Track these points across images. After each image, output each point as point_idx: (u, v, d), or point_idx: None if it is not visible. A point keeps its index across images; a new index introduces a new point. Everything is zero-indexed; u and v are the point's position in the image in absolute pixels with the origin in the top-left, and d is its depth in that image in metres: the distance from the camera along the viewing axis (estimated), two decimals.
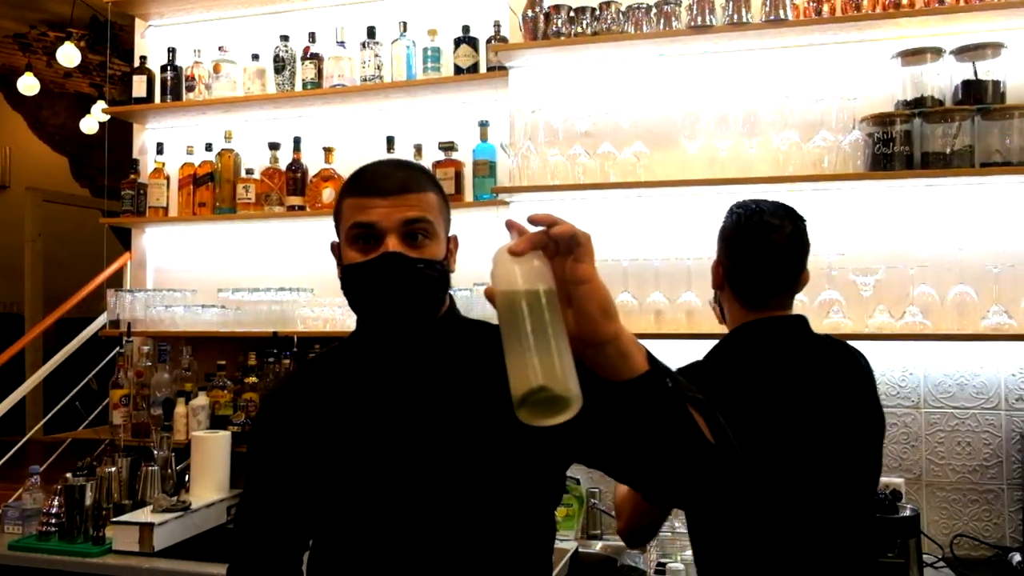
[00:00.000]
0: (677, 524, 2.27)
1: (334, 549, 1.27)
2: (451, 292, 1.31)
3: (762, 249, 1.64)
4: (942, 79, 2.36)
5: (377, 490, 1.20)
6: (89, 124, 6.29)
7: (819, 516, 1.54)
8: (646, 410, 0.95)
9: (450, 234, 1.28)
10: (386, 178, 1.19)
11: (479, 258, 2.83)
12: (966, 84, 2.32)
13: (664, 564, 2.10)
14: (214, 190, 3.15)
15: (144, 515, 2.49)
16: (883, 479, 2.34)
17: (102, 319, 3.33)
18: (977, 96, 2.30)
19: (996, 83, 2.30)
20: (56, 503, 2.54)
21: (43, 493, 2.66)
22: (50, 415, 3.23)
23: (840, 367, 1.65)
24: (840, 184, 2.40)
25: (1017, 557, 2.20)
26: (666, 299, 2.54)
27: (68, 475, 2.53)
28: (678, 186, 2.50)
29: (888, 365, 2.42)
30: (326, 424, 1.26)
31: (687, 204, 2.59)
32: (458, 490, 1.17)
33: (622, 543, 2.50)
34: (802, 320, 1.68)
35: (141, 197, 3.25)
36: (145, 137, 3.44)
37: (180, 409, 2.95)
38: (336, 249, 1.27)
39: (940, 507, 2.36)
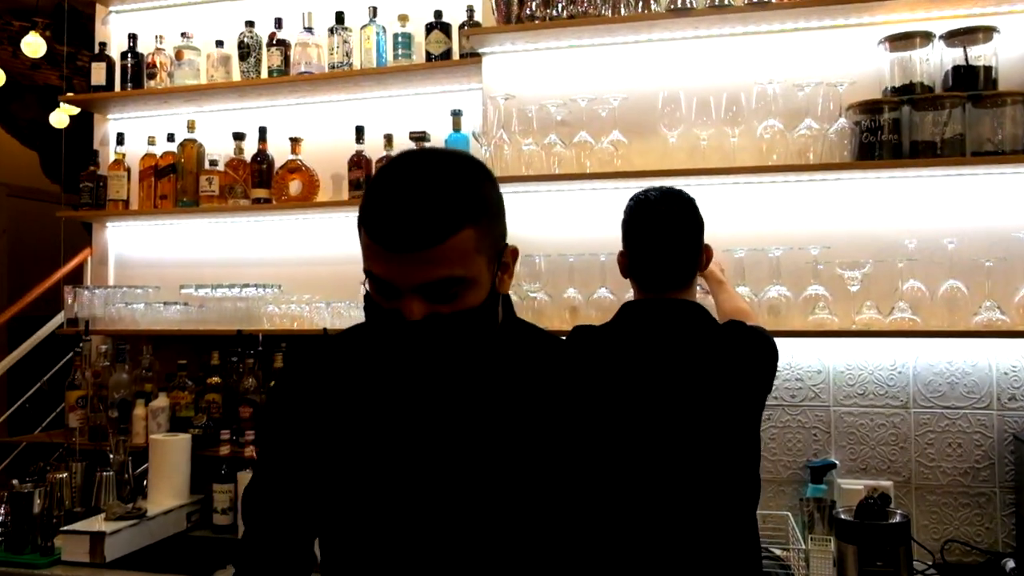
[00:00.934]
0: None
1: (346, 548, 1.15)
2: (509, 299, 1.17)
3: (649, 238, 1.74)
4: (932, 65, 2.26)
5: (396, 496, 1.08)
6: (59, 118, 6.12)
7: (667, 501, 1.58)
8: None
9: (508, 246, 1.09)
10: (402, 228, 0.94)
11: None
12: (957, 70, 2.23)
13: None
14: (176, 182, 3.02)
15: (96, 523, 2.37)
16: (871, 482, 2.26)
17: (60, 317, 3.19)
18: (968, 82, 2.20)
19: (988, 69, 2.21)
20: (2, 511, 2.40)
21: None
22: (3, 417, 3.08)
23: (714, 352, 1.66)
24: (825, 174, 2.30)
25: (1011, 563, 2.11)
26: None
27: (15, 482, 2.39)
28: (657, 177, 2.37)
29: (876, 363, 2.32)
30: (354, 416, 1.12)
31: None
32: (477, 507, 1.06)
33: None
34: (684, 304, 1.72)
35: (101, 189, 3.11)
36: (107, 128, 3.31)
37: (139, 411, 2.82)
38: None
39: (930, 511, 2.26)
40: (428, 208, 0.95)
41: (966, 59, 2.22)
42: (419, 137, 2.77)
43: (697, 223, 1.76)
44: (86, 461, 2.64)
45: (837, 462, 2.31)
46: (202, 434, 2.72)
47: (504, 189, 2.52)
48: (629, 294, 2.42)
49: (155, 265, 3.18)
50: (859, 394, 2.33)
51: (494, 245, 1.05)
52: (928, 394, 2.29)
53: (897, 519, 1.93)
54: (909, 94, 2.23)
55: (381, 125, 2.87)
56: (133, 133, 3.18)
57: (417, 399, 1.11)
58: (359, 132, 2.85)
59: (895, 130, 2.21)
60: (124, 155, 3.12)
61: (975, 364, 2.26)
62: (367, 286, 1.04)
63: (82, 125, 6.96)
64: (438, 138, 2.78)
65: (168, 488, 2.59)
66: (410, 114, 2.89)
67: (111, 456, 2.62)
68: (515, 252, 1.11)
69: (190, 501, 2.65)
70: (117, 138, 3.14)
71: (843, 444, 2.33)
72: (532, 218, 2.59)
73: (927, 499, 2.27)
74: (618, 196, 2.50)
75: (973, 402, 2.26)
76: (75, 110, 6.04)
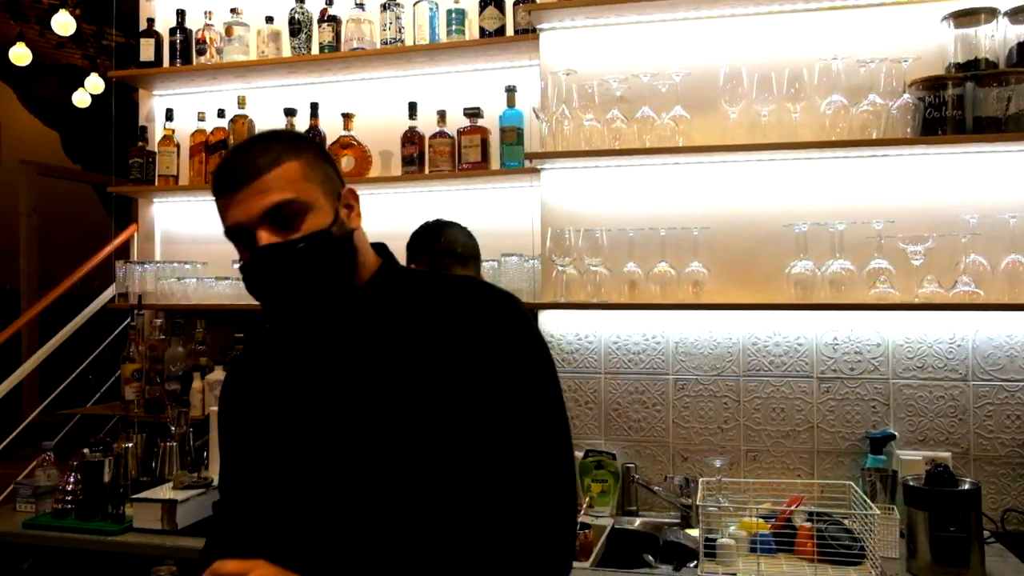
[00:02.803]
0: (722, 500, 2.21)
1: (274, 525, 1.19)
2: (386, 246, 1.25)
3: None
4: (996, 41, 2.28)
5: (304, 459, 1.14)
6: (82, 97, 6.12)
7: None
8: None
9: (344, 188, 1.18)
10: (232, 170, 1.10)
11: (507, 228, 2.78)
12: (1021, 46, 2.25)
13: (714, 540, 2.03)
14: None
15: (165, 492, 2.40)
16: (929, 453, 2.30)
17: (110, 291, 3.21)
18: None
19: None
20: (72, 480, 2.44)
21: (56, 470, 2.56)
22: (60, 389, 3.11)
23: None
24: (887, 150, 2.33)
25: None
26: (705, 269, 2.46)
27: (85, 451, 2.43)
28: (718, 152, 2.41)
29: (936, 336, 2.35)
30: (267, 402, 1.21)
31: (727, 172, 2.51)
32: (386, 455, 1.10)
33: (663, 520, 2.45)
34: None
35: (150, 165, 3.13)
36: (152, 104, 3.32)
37: (196, 384, 2.85)
38: None
39: (988, 481, 2.30)
40: (253, 150, 1.11)
41: None
42: (473, 113, 2.79)
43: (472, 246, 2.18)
44: (145, 432, 2.67)
45: (896, 433, 2.35)
46: None
47: (563, 164, 2.57)
48: (690, 268, 2.47)
49: (201, 241, 3.20)
50: (918, 367, 2.37)
51: (327, 180, 1.15)
52: (987, 367, 2.32)
53: (967, 486, 1.97)
54: (973, 70, 2.26)
55: (434, 101, 2.88)
56: (180, 110, 3.19)
57: (317, 363, 1.18)
58: (412, 108, 2.87)
59: (959, 106, 2.24)
60: (173, 131, 3.13)
61: None
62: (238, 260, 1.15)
63: (104, 105, 6.96)
64: (492, 114, 2.79)
65: None
66: (463, 90, 2.90)
67: (172, 428, 2.66)
68: (354, 193, 1.19)
69: None
70: (166, 114, 3.15)
71: (902, 416, 2.37)
72: (592, 193, 2.61)
73: (985, 470, 2.31)
74: (678, 172, 2.54)
75: None
76: (99, 90, 6.06)
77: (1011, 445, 2.30)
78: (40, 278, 5.49)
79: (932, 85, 2.26)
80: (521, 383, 1.10)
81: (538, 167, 2.60)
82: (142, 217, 3.31)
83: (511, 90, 2.76)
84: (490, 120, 2.80)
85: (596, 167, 2.58)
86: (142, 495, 2.38)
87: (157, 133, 3.21)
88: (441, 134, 2.82)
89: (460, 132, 2.80)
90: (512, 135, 2.75)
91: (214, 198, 1.14)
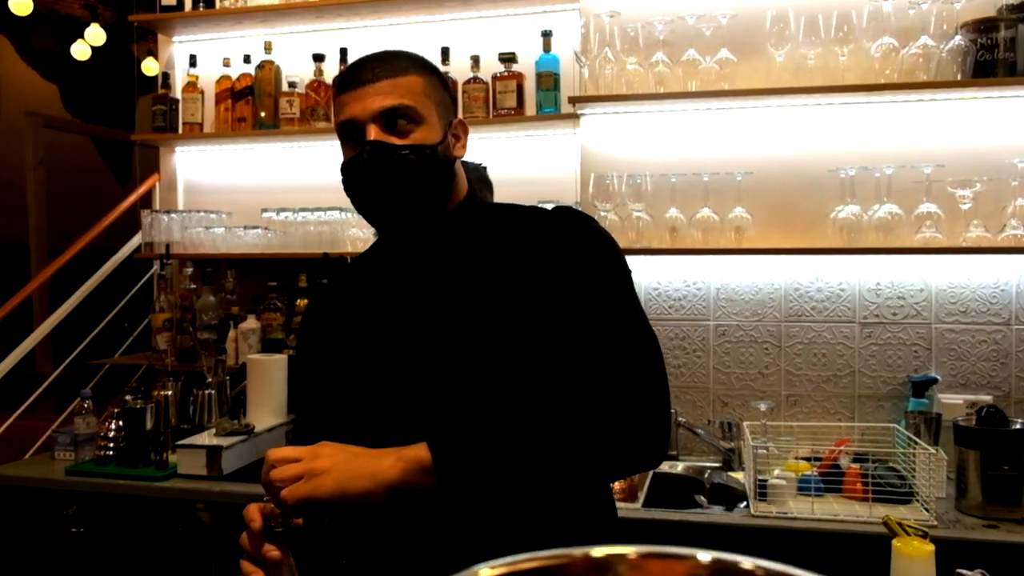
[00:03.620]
0: (771, 444, 2.22)
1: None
2: (469, 181, 1.27)
3: None
4: None
5: (394, 383, 1.17)
6: (81, 49, 5.98)
7: None
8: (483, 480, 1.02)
9: (456, 118, 1.22)
10: (361, 69, 1.14)
11: (544, 175, 2.75)
12: None
13: (765, 481, 2.05)
14: (254, 105, 2.98)
15: (209, 439, 2.39)
16: (971, 396, 2.32)
17: (135, 241, 3.17)
18: None
19: None
20: (114, 427, 2.43)
21: (94, 417, 2.55)
22: (89, 339, 3.08)
23: None
24: (935, 93, 2.31)
25: None
26: (748, 215, 2.45)
27: (128, 398, 2.41)
28: (764, 96, 2.39)
29: (979, 281, 2.36)
30: (354, 322, 1.24)
31: (772, 116, 2.48)
32: (486, 365, 1.13)
33: (705, 464, 2.47)
34: None
35: (173, 113, 3.07)
36: (172, 51, 3.24)
37: (230, 333, 2.83)
38: None
39: None
40: (385, 56, 1.17)
41: None
42: (508, 59, 2.74)
43: None
44: (181, 381, 2.65)
45: (939, 377, 2.37)
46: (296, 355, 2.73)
47: (605, 109, 2.54)
48: (733, 214, 2.45)
49: (225, 191, 3.15)
50: (961, 311, 2.38)
51: (443, 105, 1.18)
52: None
53: (1019, 425, 1.99)
54: None
55: (467, 47, 2.83)
56: (203, 56, 3.12)
57: (405, 289, 1.20)
58: (444, 53, 2.82)
59: (1011, 48, 2.22)
60: (197, 77, 3.07)
61: None
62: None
63: (102, 58, 6.81)
64: (527, 60, 2.75)
65: (268, 406, 2.61)
66: (498, 35, 2.85)
67: (208, 376, 2.64)
68: (464, 125, 1.23)
69: (288, 420, 2.68)
70: (190, 60, 3.08)
71: (944, 360, 2.39)
72: (634, 139, 2.59)
73: None
74: (722, 116, 2.52)
75: None
76: (99, 41, 5.92)
77: None
78: (50, 231, 5.41)
79: (983, 27, 2.24)
80: (605, 286, 1.14)
81: (578, 112, 2.56)
82: (164, 166, 3.26)
83: (547, 35, 2.71)
84: (524, 66, 2.75)
85: (638, 112, 2.55)
86: (186, 441, 2.37)
87: (176, 80, 3.15)
88: (475, 80, 2.77)
89: (495, 78, 2.75)
90: (548, 80, 2.70)
91: (334, 96, 1.19)
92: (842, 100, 2.38)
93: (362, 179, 1.13)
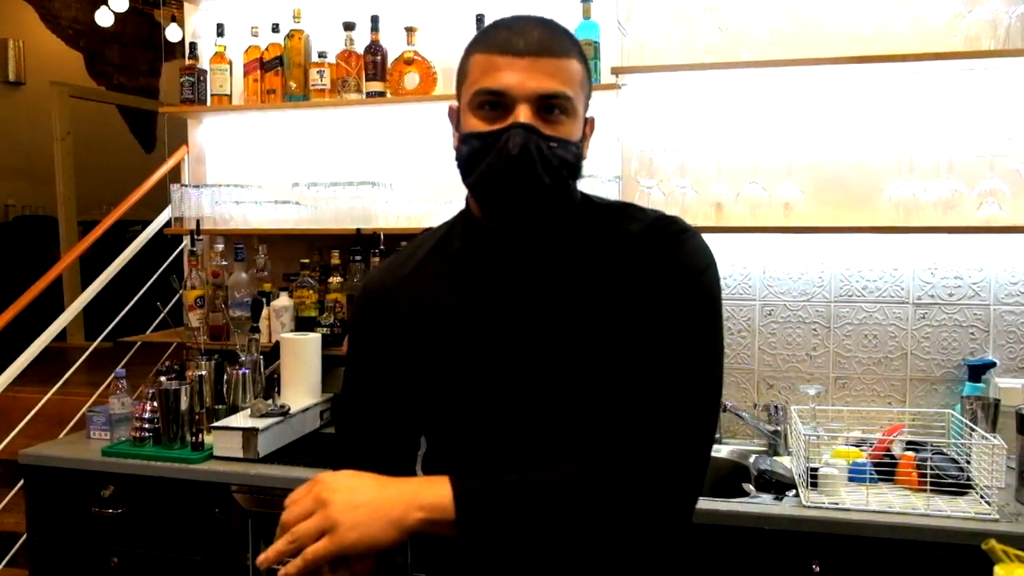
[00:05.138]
0: (820, 430, 2.15)
1: (448, 446, 1.17)
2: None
3: None
4: None
5: (494, 385, 1.09)
6: (105, 16, 5.92)
7: None
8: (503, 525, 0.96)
9: (588, 115, 1.11)
10: (525, 35, 1.02)
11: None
12: None
13: (816, 469, 1.99)
14: (283, 76, 2.90)
15: (244, 420, 2.37)
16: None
17: (165, 216, 3.13)
18: None
19: None
20: (149, 408, 2.40)
21: (129, 398, 2.52)
22: (123, 314, 3.07)
23: None
24: (1000, 62, 2.18)
25: None
26: (798, 190, 2.35)
27: (163, 379, 2.38)
28: (817, 63, 2.26)
29: None
30: (439, 311, 1.13)
31: (825, 87, 2.37)
32: (578, 382, 1.06)
33: (749, 447, 2.40)
34: None
35: (201, 84, 2.99)
36: (195, 19, 3.16)
37: (263, 311, 2.79)
38: (455, 114, 1.12)
39: None
40: (549, 27, 1.06)
41: None
42: None
43: None
44: (215, 359, 2.62)
45: (997, 361, 2.28)
46: (330, 333, 2.69)
47: (648, 79, 2.43)
48: (781, 189, 2.35)
49: (257, 163, 3.09)
50: (1021, 292, 2.27)
51: (587, 101, 1.10)
52: None
53: None
54: None
55: (503, 13, 2.72)
56: (230, 24, 3.03)
57: (511, 286, 1.10)
58: (479, 21, 2.71)
59: None
60: (225, 48, 2.99)
61: None
62: (464, 130, 1.07)
63: (128, 25, 6.73)
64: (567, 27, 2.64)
65: (302, 386, 2.58)
66: (535, 1, 2.73)
67: (242, 355, 2.61)
68: (593, 124, 1.14)
69: (323, 399, 2.65)
70: (217, 29, 3.00)
71: (1002, 343, 2.29)
72: (679, 110, 2.48)
73: None
74: (772, 88, 2.40)
75: None
76: (123, 7, 5.85)
77: None
78: (79, 202, 5.40)
79: None
80: (672, 321, 1.04)
81: (619, 83, 2.46)
82: (191, 139, 3.20)
83: (587, 1, 2.60)
84: None
85: (683, 83, 2.44)
86: (222, 423, 2.35)
87: (201, 47, 3.07)
88: None
89: None
90: (588, 49, 2.59)
91: (477, 50, 1.06)
92: (901, 70, 2.26)
93: (503, 161, 1.01)
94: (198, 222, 2.91)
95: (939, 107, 2.28)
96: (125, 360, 2.94)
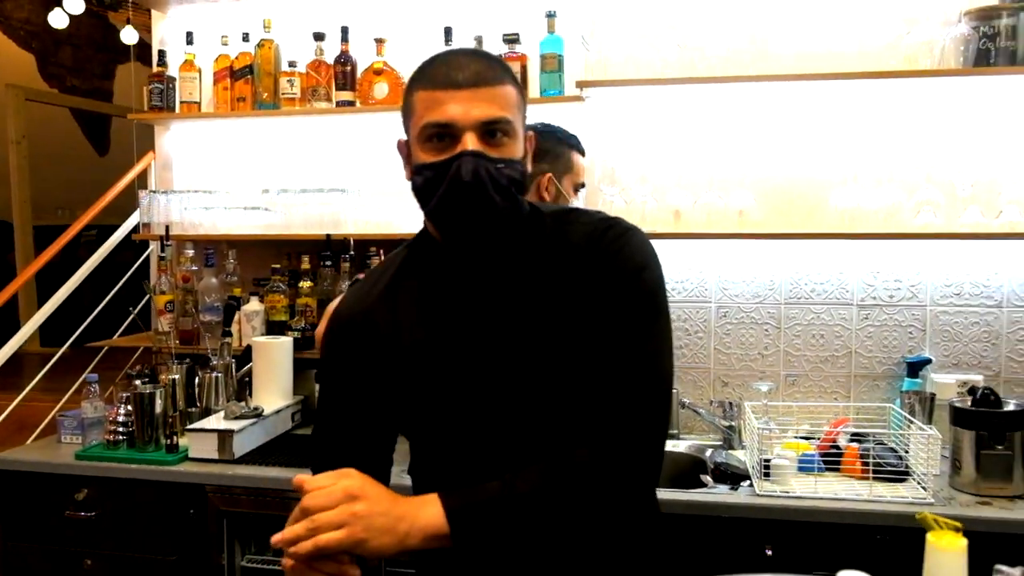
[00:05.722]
0: (772, 424, 2.29)
1: (430, 454, 1.26)
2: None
3: None
4: None
5: (467, 392, 1.17)
6: (59, 18, 5.85)
7: None
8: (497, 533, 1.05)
9: (529, 132, 1.20)
10: (461, 68, 1.10)
11: None
12: None
13: (768, 461, 2.12)
14: (254, 84, 2.95)
15: (218, 422, 2.42)
16: (963, 376, 2.39)
17: (132, 221, 3.15)
18: None
19: None
20: (123, 411, 2.44)
21: (101, 401, 2.55)
22: (91, 318, 3.07)
23: None
24: (936, 80, 2.35)
25: None
26: (752, 199, 2.49)
27: (137, 382, 2.42)
28: (769, 80, 2.40)
29: (975, 265, 2.43)
30: (409, 332, 1.21)
31: (776, 101, 2.52)
32: (542, 386, 1.15)
33: (705, 442, 2.53)
34: None
35: (171, 91, 3.03)
36: (163, 27, 3.19)
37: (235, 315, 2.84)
38: (403, 148, 1.20)
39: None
40: (483, 59, 1.15)
41: None
42: (512, 39, 2.73)
43: None
44: (186, 363, 2.66)
45: (932, 358, 2.45)
46: (301, 337, 2.75)
47: (611, 92, 2.54)
48: (736, 198, 2.49)
49: (225, 170, 3.13)
50: (955, 294, 2.45)
51: (524, 118, 1.19)
52: (1023, 293, 2.41)
53: (1012, 407, 2.06)
54: None
55: (470, 27, 2.82)
56: (199, 33, 3.07)
57: (473, 298, 1.18)
58: (447, 33, 2.80)
59: (1012, 36, 2.26)
60: (195, 55, 3.03)
61: None
62: (415, 162, 1.14)
63: (82, 27, 6.64)
64: (531, 41, 2.74)
65: (274, 389, 2.64)
66: (501, 15, 2.83)
67: (213, 359, 2.65)
68: (532, 139, 1.22)
69: (294, 402, 2.71)
70: (186, 37, 3.03)
71: (937, 341, 2.47)
72: (640, 122, 2.61)
73: (1015, 391, 2.43)
74: (728, 102, 2.54)
75: None
76: (78, 9, 5.79)
77: None
78: (34, 207, 5.32)
79: (986, 15, 2.28)
80: (621, 319, 1.14)
81: (583, 96, 2.57)
82: (158, 145, 3.23)
83: (551, 15, 2.71)
84: (530, 46, 2.75)
85: (646, 96, 2.57)
86: (197, 425, 2.40)
87: (172, 57, 3.10)
88: None
89: None
90: (553, 62, 2.70)
91: (419, 87, 1.13)
92: (846, 87, 2.42)
93: (456, 187, 1.09)
94: (167, 228, 2.95)
95: (881, 122, 2.45)
96: (93, 365, 2.96)
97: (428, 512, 1.04)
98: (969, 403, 2.09)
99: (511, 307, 1.17)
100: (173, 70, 3.06)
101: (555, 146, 2.04)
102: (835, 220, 2.43)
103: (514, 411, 1.16)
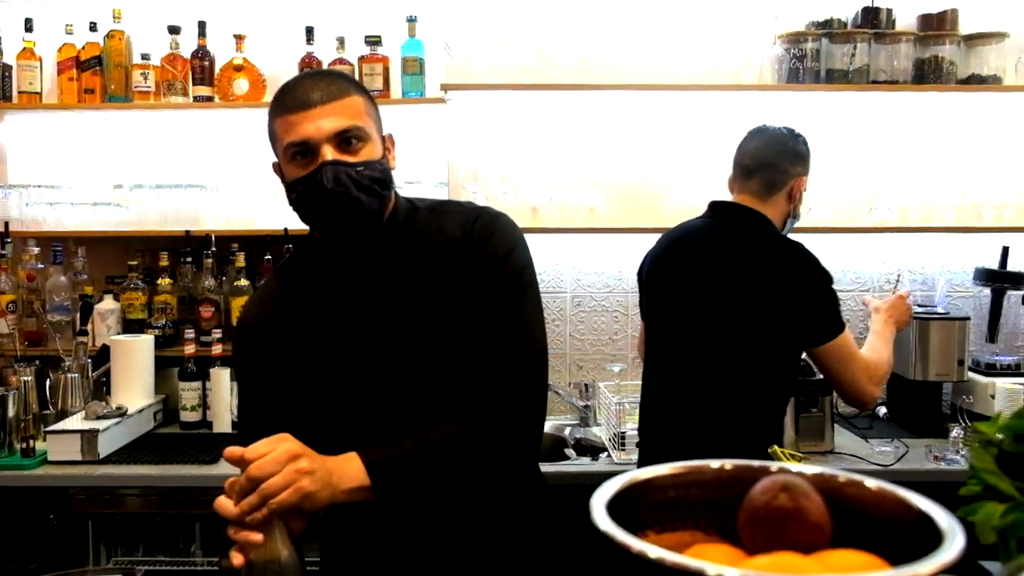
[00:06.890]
0: (625, 401, 2.53)
1: (334, 440, 1.35)
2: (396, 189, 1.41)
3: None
4: (849, 5, 2.68)
5: (369, 371, 1.31)
6: None
7: None
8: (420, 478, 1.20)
9: (385, 133, 1.34)
10: (309, 90, 1.23)
11: (409, 156, 2.87)
12: (865, 11, 2.66)
13: (624, 433, 2.35)
14: (103, 76, 2.85)
15: (80, 422, 2.35)
16: None
17: None
18: (874, 22, 2.64)
19: (889, 11, 2.66)
20: None
21: None
22: None
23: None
24: (756, 93, 2.68)
25: (883, 410, 2.70)
26: (601, 197, 2.73)
27: None
28: (613, 89, 2.65)
29: None
30: (303, 329, 1.33)
31: (622, 107, 2.77)
32: (427, 366, 1.30)
33: (564, 421, 2.74)
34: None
35: (7, 80, 2.87)
36: (2, 12, 3.00)
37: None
38: (277, 169, 1.33)
39: None
40: (327, 77, 1.28)
41: (872, 1, 2.66)
42: (374, 41, 2.82)
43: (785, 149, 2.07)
44: (35, 365, 2.55)
45: None
46: (162, 335, 2.71)
47: (472, 96, 2.70)
48: (587, 195, 2.72)
49: (69, 164, 2.99)
50: None
51: (378, 122, 1.31)
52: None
53: (821, 376, 2.41)
54: (828, 28, 2.65)
55: (333, 27, 2.88)
56: (40, 21, 2.92)
57: (357, 291, 1.32)
58: (309, 33, 2.84)
59: (816, 59, 2.63)
60: (35, 43, 2.88)
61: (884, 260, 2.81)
62: (288, 180, 1.27)
63: None
64: (393, 44, 2.84)
65: (135, 387, 2.59)
66: (363, 17, 2.91)
67: (68, 360, 2.56)
68: (392, 139, 1.36)
69: (156, 400, 2.66)
70: (25, 24, 2.88)
71: None
72: (498, 124, 2.78)
73: None
74: (582, 107, 2.76)
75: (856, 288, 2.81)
76: None
77: None
78: None
79: (795, 39, 2.63)
80: (499, 293, 1.31)
81: (446, 98, 2.71)
82: None
83: (412, 20, 2.82)
84: (392, 49, 2.85)
85: (505, 99, 2.74)
86: (58, 427, 2.32)
87: (8, 45, 2.93)
88: (340, 61, 2.83)
89: (361, 59, 2.82)
90: (414, 66, 2.82)
91: (276, 115, 1.25)
92: (680, 97, 2.70)
93: (323, 195, 1.22)
94: (7, 224, 2.79)
95: (711, 129, 2.76)
96: None
97: (351, 467, 1.16)
98: None
99: (395, 294, 1.31)
100: (9, 58, 2.90)
101: (807, 152, 2.11)
102: (673, 215, 2.70)
103: (408, 389, 1.29)
